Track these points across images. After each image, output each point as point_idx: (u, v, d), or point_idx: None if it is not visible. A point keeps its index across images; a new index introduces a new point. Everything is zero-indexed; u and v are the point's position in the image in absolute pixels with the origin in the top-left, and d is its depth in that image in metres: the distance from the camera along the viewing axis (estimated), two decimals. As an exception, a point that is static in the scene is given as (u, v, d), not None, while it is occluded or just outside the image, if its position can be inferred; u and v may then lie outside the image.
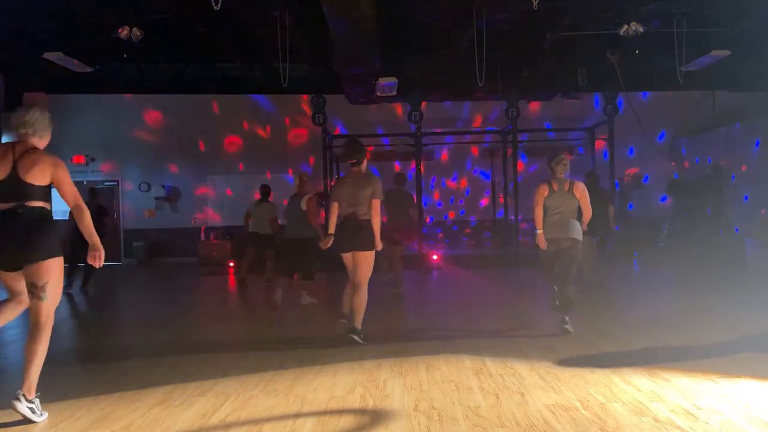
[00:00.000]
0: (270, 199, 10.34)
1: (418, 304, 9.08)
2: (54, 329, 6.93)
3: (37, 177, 4.00)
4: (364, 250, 5.89)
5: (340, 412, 3.98)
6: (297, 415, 3.93)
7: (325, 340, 6.49)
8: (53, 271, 3.94)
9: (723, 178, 13.20)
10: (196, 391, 4.51)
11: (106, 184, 16.14)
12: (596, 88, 13.32)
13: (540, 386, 4.37)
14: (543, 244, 6.22)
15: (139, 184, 16.14)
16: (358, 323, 5.93)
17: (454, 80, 12.76)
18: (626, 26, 9.38)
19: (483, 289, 10.13)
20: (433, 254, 13.27)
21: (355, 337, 5.89)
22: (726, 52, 10.67)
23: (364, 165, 6.11)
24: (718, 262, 11.14)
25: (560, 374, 4.66)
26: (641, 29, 9.34)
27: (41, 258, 3.89)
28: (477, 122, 16.12)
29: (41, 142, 4.28)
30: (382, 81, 11.60)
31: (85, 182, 15.99)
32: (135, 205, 16.19)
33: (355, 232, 5.89)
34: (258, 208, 10.17)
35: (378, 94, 12.28)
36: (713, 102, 14.99)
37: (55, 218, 4.10)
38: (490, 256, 14.03)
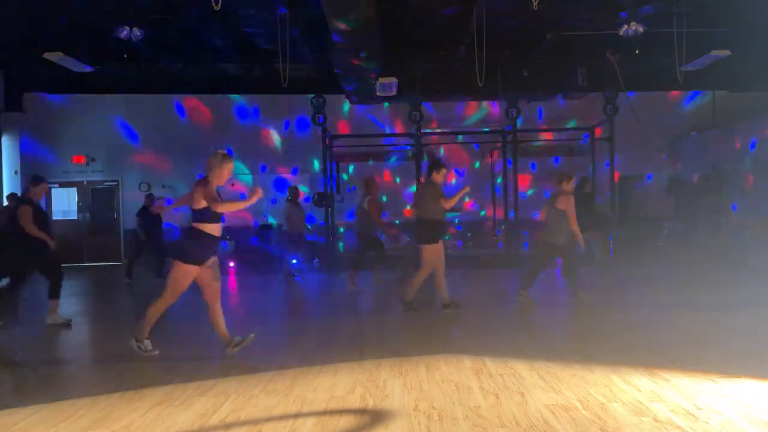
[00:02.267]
0: (298, 199, 11.47)
1: (418, 305, 9.07)
2: (55, 329, 6.91)
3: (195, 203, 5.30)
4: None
5: (340, 412, 3.98)
6: (297, 415, 3.92)
7: (325, 339, 6.50)
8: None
9: (722, 177, 13.19)
10: (196, 391, 4.51)
11: (106, 184, 16.13)
12: (596, 88, 13.30)
13: (540, 386, 4.37)
14: None
15: (139, 184, 16.12)
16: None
17: (454, 80, 12.75)
18: (626, 26, 9.37)
19: (483, 290, 10.12)
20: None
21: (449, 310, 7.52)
22: (726, 52, 10.66)
23: (436, 176, 7.59)
24: (718, 262, 11.14)
25: (560, 374, 4.66)
26: (641, 29, 9.33)
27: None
28: (477, 122, 16.11)
29: (212, 177, 5.38)
30: (382, 81, 11.60)
31: (85, 182, 16.02)
32: (135, 205, 16.15)
33: (419, 230, 7.63)
34: (290, 211, 11.28)
35: (378, 94, 12.28)
36: (713, 102, 14.98)
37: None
38: (489, 257, 14.02)
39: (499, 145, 14.44)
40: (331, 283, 11.43)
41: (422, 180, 8.13)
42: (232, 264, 14.05)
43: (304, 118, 15.38)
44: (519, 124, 13.69)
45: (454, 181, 15.77)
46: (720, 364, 4.78)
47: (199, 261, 5.32)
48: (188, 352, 5.97)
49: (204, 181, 5.29)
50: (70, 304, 9.92)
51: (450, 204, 7.37)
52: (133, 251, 12.37)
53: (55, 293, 7.37)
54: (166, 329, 7.22)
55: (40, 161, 15.51)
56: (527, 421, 3.69)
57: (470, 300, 8.84)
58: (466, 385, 4.47)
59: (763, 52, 11.23)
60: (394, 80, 11.60)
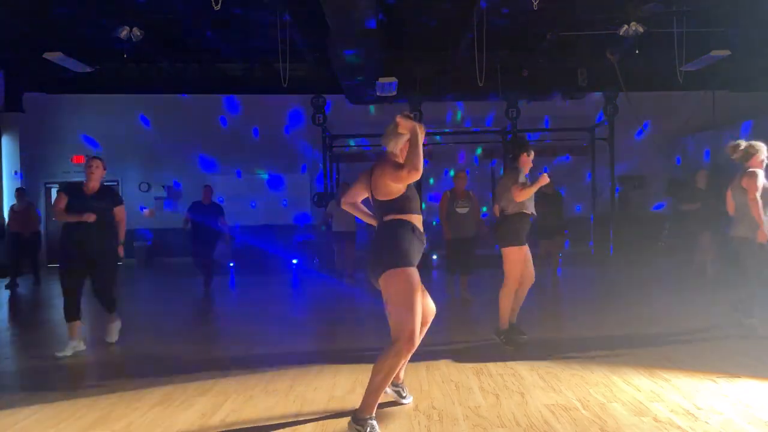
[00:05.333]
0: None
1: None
2: (52, 328, 6.82)
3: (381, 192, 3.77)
4: (502, 246, 5.79)
5: (340, 412, 3.98)
6: (297, 415, 3.93)
7: (326, 339, 6.51)
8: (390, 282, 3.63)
9: (723, 178, 13.17)
10: (196, 391, 4.51)
11: (106, 184, 16.09)
12: (596, 88, 13.31)
13: (540, 386, 4.37)
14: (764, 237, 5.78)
15: (139, 184, 16.14)
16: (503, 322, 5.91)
17: (454, 80, 12.76)
18: (626, 26, 9.38)
19: (481, 290, 10.12)
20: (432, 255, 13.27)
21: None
22: (726, 52, 10.67)
23: (520, 161, 5.84)
24: (718, 262, 11.12)
25: (560, 374, 4.66)
26: (641, 29, 9.34)
27: (378, 273, 3.69)
28: (477, 122, 16.11)
29: (392, 154, 3.86)
30: (382, 81, 11.60)
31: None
32: (135, 205, 16.18)
33: (497, 227, 5.87)
34: (337, 210, 10.57)
35: (378, 94, 12.28)
36: (713, 102, 14.98)
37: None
38: (489, 257, 14.01)
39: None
40: (331, 283, 11.43)
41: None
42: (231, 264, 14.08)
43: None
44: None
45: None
46: (720, 364, 4.78)
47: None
48: (189, 352, 5.97)
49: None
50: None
51: (524, 195, 5.64)
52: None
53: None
54: (165, 329, 7.24)
55: (40, 161, 15.53)
56: (527, 421, 3.70)
57: (468, 300, 8.83)
58: (466, 385, 4.47)
59: (763, 52, 11.24)
60: (394, 80, 11.61)
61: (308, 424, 3.75)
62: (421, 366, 5.01)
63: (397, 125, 3.77)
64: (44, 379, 5.12)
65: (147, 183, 16.14)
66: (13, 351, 6.45)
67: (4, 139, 14.83)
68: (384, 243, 3.69)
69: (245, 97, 15.71)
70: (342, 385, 4.55)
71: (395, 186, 3.69)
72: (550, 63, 12.48)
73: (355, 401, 4.19)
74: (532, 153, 5.88)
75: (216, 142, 16.12)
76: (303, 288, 11.18)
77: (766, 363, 4.82)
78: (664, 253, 13.69)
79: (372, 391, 3.56)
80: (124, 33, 9.40)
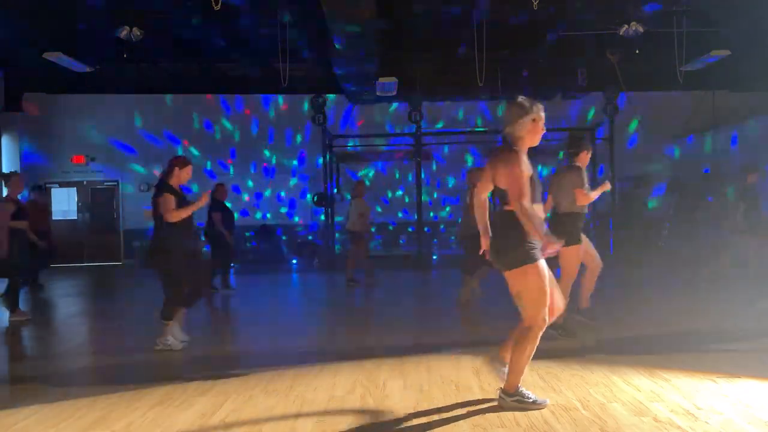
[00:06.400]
0: (362, 196, 10.27)
1: (418, 304, 9.08)
2: (54, 328, 6.82)
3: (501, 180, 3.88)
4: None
5: (340, 412, 3.98)
6: (297, 415, 3.92)
7: (326, 339, 6.50)
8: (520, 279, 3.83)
9: (723, 178, 13.18)
10: (196, 391, 4.50)
11: (106, 184, 16.14)
12: (596, 88, 13.32)
13: (540, 386, 4.37)
14: None
15: (139, 184, 16.14)
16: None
17: (454, 80, 12.77)
18: (626, 26, 9.39)
19: (481, 290, 10.11)
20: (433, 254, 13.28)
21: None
22: (726, 52, 10.68)
23: (580, 158, 5.86)
24: (719, 262, 11.12)
25: (560, 374, 4.65)
26: (641, 29, 9.36)
27: (506, 267, 3.86)
28: (477, 122, 16.12)
29: (514, 142, 3.92)
30: (382, 81, 11.61)
31: (84, 182, 16.03)
32: (135, 205, 16.18)
33: (554, 227, 5.65)
34: (352, 208, 10.22)
35: (378, 94, 12.30)
36: (713, 102, 14.99)
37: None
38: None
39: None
40: (331, 282, 11.43)
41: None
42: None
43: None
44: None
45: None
46: (720, 364, 4.77)
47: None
48: (188, 352, 5.97)
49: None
50: (70, 303, 9.94)
51: (589, 199, 5.75)
52: (222, 257, 10.14)
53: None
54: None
55: (40, 161, 15.53)
56: (527, 421, 3.69)
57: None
58: (466, 385, 4.46)
59: (763, 52, 11.24)
60: (394, 80, 11.62)
61: (308, 424, 3.75)
62: (422, 366, 5.00)
63: (519, 107, 3.89)
64: (44, 379, 5.12)
65: (147, 183, 16.13)
66: (12, 351, 6.45)
67: (4, 139, 14.84)
68: (507, 234, 3.82)
69: (245, 96, 15.71)
70: (342, 385, 4.54)
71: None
72: (550, 63, 12.49)
73: (355, 401, 4.19)
74: (591, 150, 5.99)
75: (215, 143, 16.12)
76: (303, 288, 11.18)
77: (766, 363, 4.82)
78: (664, 254, 13.68)
79: (518, 371, 3.87)
80: (124, 33, 9.40)
